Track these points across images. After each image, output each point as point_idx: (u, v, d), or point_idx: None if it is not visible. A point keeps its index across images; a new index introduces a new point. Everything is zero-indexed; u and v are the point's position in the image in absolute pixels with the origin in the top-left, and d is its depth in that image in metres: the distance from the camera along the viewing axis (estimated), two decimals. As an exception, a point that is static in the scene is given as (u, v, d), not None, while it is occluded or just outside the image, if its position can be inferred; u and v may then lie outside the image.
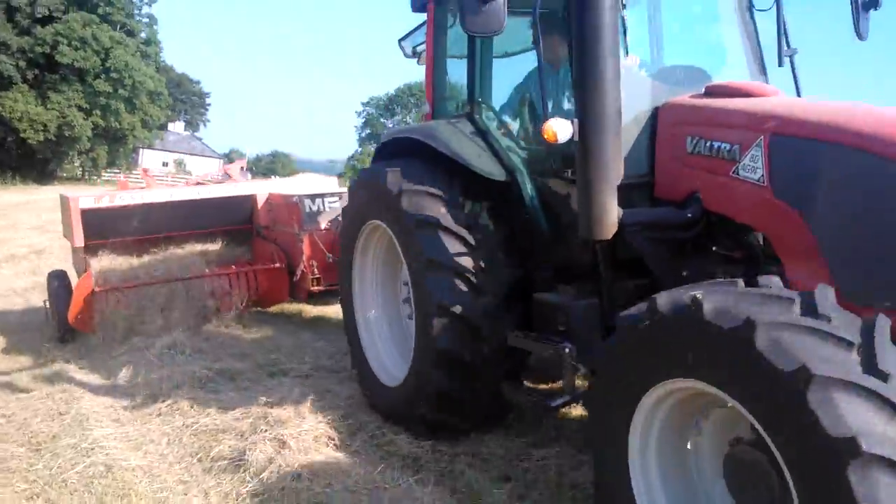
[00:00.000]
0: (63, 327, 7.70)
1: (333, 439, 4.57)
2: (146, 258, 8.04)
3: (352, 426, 4.87)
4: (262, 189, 8.98)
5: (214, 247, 8.58)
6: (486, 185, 4.66)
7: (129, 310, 7.53)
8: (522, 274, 4.62)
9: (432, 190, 4.60)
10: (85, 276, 7.46)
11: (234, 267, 8.30)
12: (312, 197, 8.19)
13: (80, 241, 7.76)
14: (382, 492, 3.88)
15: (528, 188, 4.56)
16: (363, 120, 77.45)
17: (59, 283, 7.96)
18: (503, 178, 4.61)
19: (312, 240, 8.01)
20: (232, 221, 8.77)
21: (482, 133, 4.83)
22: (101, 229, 7.92)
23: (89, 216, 7.82)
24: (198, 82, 74.92)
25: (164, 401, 5.40)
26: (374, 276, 5.56)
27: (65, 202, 8.17)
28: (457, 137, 4.76)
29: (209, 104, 77.95)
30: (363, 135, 75.55)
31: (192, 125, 75.69)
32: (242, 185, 9.34)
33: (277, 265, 8.25)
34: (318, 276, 7.96)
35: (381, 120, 74.07)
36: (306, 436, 4.47)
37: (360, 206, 5.32)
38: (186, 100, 73.06)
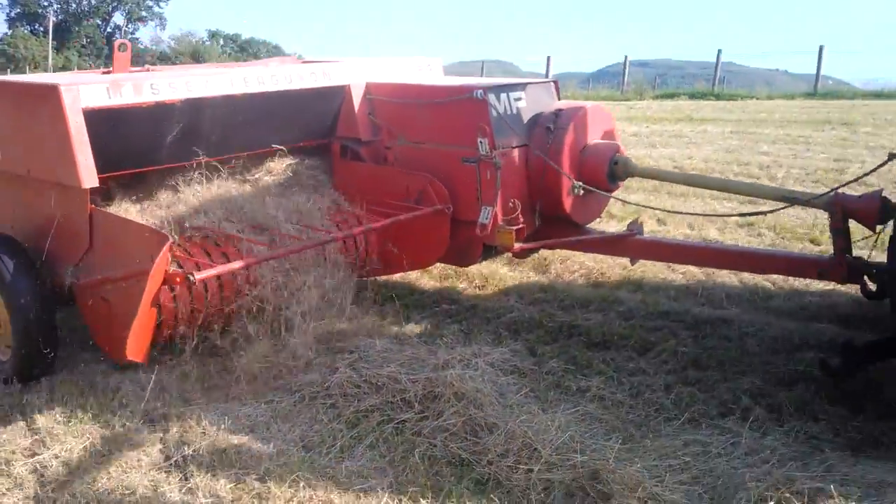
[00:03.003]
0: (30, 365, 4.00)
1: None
2: (189, 201, 4.47)
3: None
4: (354, 75, 5.17)
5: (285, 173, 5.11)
6: None
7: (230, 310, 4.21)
8: None
9: None
10: (153, 251, 3.38)
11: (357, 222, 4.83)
12: (498, 91, 4.71)
13: (90, 177, 3.76)
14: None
15: None
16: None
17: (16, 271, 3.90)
18: None
19: (516, 165, 4.73)
20: (314, 131, 5.20)
21: None
22: (121, 149, 4.14)
23: (100, 123, 3.87)
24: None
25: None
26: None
27: (37, 95, 3.95)
28: None
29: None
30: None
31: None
32: (331, 68, 5.15)
33: (438, 207, 4.72)
34: (519, 224, 4.53)
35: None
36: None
37: None
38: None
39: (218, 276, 4.01)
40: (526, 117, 4.81)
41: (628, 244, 4.81)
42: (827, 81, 23.55)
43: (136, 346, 3.57)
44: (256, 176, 5.00)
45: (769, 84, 25.99)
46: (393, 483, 3.12)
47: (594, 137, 4.87)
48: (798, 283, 5.27)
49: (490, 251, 4.95)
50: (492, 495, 3.02)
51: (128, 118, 4.07)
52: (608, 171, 4.72)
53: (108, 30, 55.07)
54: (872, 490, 2.87)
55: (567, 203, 4.77)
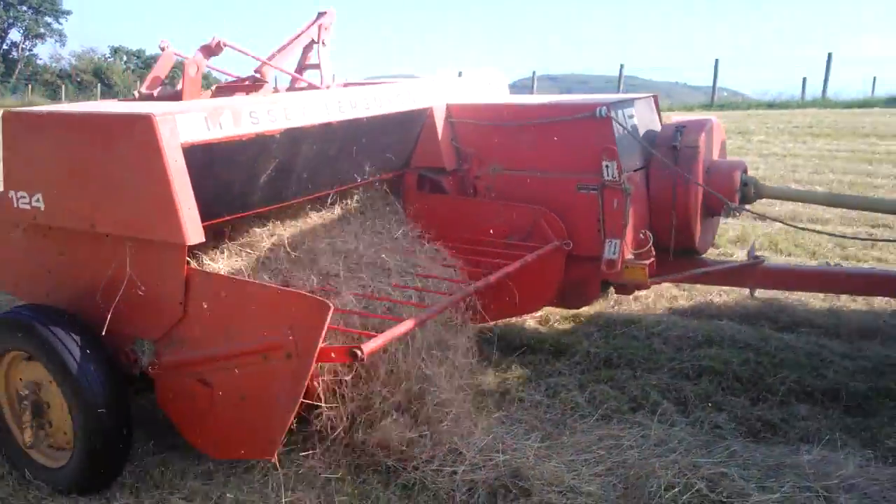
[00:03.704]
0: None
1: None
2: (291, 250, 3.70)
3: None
4: (436, 96, 4.48)
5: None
6: None
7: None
8: None
9: None
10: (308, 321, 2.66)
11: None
12: (617, 107, 4.13)
13: (195, 230, 2.96)
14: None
15: None
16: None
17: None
18: None
19: (639, 190, 4.16)
20: (392, 162, 4.42)
21: None
22: (216, 193, 3.31)
23: (197, 162, 3.04)
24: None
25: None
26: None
27: (114, 128, 2.99)
28: None
29: None
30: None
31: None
32: (412, 88, 4.39)
33: (555, 244, 4.09)
34: (652, 257, 4.04)
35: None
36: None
37: None
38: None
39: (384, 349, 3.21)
40: (639, 135, 4.29)
41: (755, 273, 4.32)
42: (722, 93, 24.66)
43: (266, 441, 2.79)
44: (347, 215, 4.24)
45: (669, 96, 26.98)
46: (321, 493, 3.16)
47: (715, 154, 4.38)
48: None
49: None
50: (418, 498, 3.11)
51: (226, 154, 3.25)
52: (740, 194, 4.21)
53: (4, 47, 52.86)
54: (771, 472, 3.09)
55: (697, 231, 4.22)
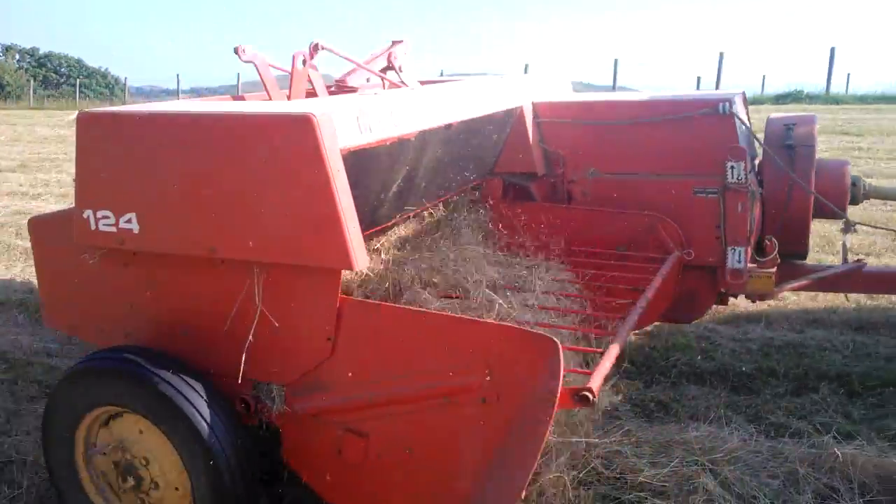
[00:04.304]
0: None
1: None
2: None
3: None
4: (524, 94, 4.07)
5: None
6: None
7: None
8: None
9: None
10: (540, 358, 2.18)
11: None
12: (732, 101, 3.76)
13: (361, 253, 2.40)
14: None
15: None
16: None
17: None
18: None
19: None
20: (479, 167, 4.01)
21: None
22: (359, 207, 2.55)
23: (350, 172, 2.44)
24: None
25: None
26: None
27: (269, 131, 2.37)
28: None
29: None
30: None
31: None
32: (501, 85, 3.96)
33: (677, 254, 3.72)
34: (776, 264, 3.89)
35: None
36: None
37: None
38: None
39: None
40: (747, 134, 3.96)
41: (859, 278, 4.10)
42: (623, 91, 25.44)
43: (449, 499, 2.36)
44: (449, 227, 3.80)
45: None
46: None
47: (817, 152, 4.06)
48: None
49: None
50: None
51: (368, 162, 2.77)
52: (850, 195, 3.96)
53: None
54: (662, 448, 3.27)
55: (809, 235, 3.96)
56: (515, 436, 2.18)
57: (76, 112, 2.69)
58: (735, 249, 3.67)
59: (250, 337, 2.52)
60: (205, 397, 2.50)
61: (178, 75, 32.46)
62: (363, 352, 2.46)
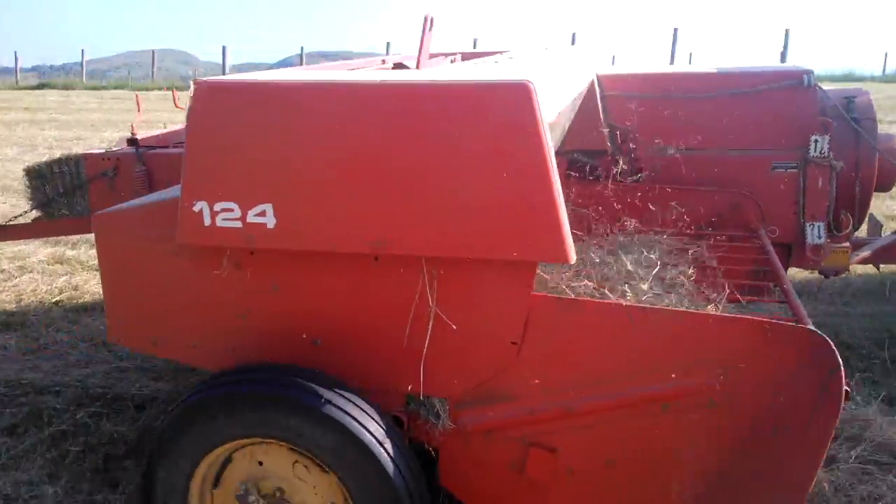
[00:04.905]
0: None
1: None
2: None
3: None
4: (592, 65, 3.90)
5: None
6: None
7: None
8: None
9: None
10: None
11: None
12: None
13: (572, 246, 2.04)
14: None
15: None
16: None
17: None
18: None
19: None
20: None
21: None
22: None
23: None
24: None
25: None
26: None
27: (470, 101, 1.98)
28: None
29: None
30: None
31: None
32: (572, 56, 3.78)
33: (762, 231, 3.67)
34: (847, 240, 3.83)
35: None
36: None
37: None
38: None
39: None
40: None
41: None
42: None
43: None
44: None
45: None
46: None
47: None
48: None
49: None
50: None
51: None
52: None
53: None
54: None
55: (868, 208, 3.89)
56: (766, 439, 2.03)
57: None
58: (814, 225, 3.61)
59: (416, 345, 2.20)
60: (375, 418, 2.17)
61: (15, 52, 28.67)
62: (555, 356, 2.18)
